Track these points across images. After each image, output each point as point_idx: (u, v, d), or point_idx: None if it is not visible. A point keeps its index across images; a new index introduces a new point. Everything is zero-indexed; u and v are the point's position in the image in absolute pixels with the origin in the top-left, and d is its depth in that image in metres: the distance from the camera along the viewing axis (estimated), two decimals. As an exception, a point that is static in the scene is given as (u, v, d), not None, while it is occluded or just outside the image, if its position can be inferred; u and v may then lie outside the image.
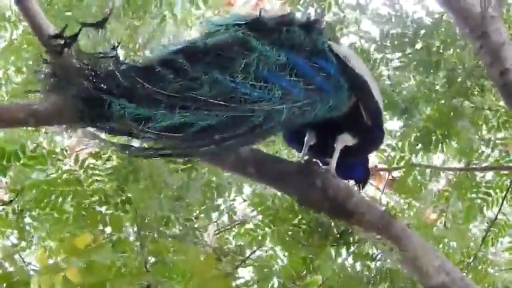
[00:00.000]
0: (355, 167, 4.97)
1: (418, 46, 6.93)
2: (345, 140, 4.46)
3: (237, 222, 6.89)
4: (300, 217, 5.21)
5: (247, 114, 3.81)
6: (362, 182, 5.01)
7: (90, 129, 3.84)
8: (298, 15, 5.79)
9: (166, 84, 3.78)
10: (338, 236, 5.15)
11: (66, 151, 5.77)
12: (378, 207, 4.57)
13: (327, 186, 4.42)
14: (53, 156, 5.01)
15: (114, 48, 3.93)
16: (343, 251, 5.22)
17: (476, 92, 6.72)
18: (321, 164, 4.52)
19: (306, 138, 4.53)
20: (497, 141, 6.93)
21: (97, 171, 4.76)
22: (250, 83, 3.87)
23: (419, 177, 6.83)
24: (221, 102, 3.78)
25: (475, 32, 5.63)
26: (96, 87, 3.78)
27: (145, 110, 3.70)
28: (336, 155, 4.44)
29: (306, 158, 4.55)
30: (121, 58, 3.93)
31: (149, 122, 3.69)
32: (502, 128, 6.86)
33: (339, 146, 4.44)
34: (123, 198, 4.62)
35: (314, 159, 4.53)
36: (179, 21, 8.28)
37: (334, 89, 4.16)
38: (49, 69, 3.91)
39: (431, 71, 6.77)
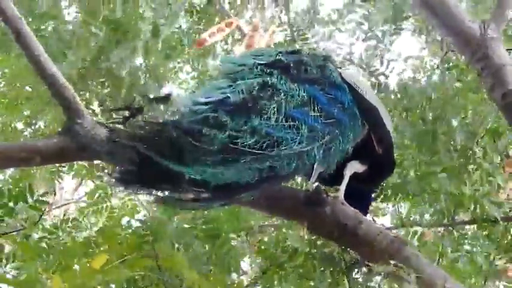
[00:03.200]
0: (362, 199, 4.93)
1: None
2: (355, 167, 4.46)
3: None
4: (307, 250, 5.16)
5: (284, 162, 3.86)
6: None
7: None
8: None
9: (212, 139, 3.78)
10: (346, 268, 5.09)
11: (78, 220, 5.80)
12: (388, 233, 4.53)
13: (336, 214, 4.40)
14: (66, 226, 5.02)
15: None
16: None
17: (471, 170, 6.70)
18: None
19: (315, 165, 4.52)
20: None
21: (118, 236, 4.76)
22: (281, 123, 3.90)
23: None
24: (261, 152, 3.79)
25: (475, 55, 5.65)
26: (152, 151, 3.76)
27: (198, 172, 3.71)
28: (345, 182, 4.43)
29: (314, 186, 4.53)
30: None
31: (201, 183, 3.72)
32: (487, 183, 6.84)
33: (348, 173, 4.43)
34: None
35: (323, 187, 4.52)
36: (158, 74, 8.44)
37: (350, 120, 4.19)
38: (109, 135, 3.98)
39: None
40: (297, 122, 3.94)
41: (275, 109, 3.94)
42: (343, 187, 4.43)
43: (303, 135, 3.92)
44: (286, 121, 3.92)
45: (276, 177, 3.90)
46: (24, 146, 4.82)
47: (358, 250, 4.59)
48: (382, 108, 4.59)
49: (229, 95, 3.99)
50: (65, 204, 9.57)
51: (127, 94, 8.26)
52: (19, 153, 4.64)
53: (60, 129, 4.72)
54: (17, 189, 5.32)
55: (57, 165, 8.10)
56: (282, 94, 4.03)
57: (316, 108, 4.06)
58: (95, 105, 8.50)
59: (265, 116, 3.90)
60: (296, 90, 4.08)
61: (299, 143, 3.89)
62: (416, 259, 4.40)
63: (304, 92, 4.08)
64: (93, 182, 8.93)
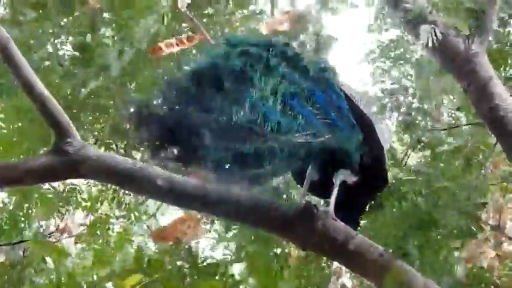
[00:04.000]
0: (353, 213, 4.92)
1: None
2: (344, 175, 4.46)
3: None
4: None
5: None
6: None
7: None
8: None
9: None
10: None
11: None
12: (378, 247, 4.54)
13: (327, 228, 4.40)
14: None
15: None
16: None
17: None
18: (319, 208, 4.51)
19: (308, 172, 4.53)
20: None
21: None
22: (279, 107, 3.90)
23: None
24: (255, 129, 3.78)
25: (461, 71, 5.69)
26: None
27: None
28: (335, 194, 4.42)
29: (304, 201, 4.52)
30: None
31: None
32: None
33: (337, 182, 4.43)
34: None
35: (313, 203, 4.51)
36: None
37: (345, 126, 4.19)
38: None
39: None
40: (294, 111, 3.93)
41: (272, 90, 3.95)
42: (332, 200, 4.42)
43: (300, 125, 3.90)
44: (284, 107, 3.92)
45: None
46: (13, 165, 4.82)
47: (349, 264, 4.60)
48: (379, 123, 4.61)
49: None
50: (73, 236, 9.49)
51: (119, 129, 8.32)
52: (8, 172, 4.64)
53: (50, 148, 4.71)
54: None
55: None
56: (280, 77, 4.03)
57: (313, 104, 4.06)
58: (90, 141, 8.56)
59: (263, 95, 3.91)
60: (294, 79, 4.09)
61: (296, 132, 3.87)
62: (408, 272, 4.42)
63: (303, 84, 4.09)
64: (92, 215, 8.91)
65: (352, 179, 4.50)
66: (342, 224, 4.47)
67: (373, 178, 4.65)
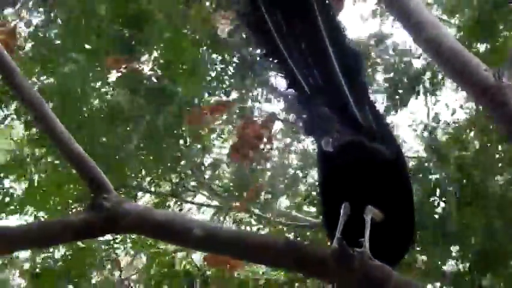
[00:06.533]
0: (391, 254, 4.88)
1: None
2: (373, 212, 4.48)
3: None
4: None
5: None
6: None
7: None
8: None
9: None
10: None
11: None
12: (419, 284, 4.51)
13: (365, 269, 4.39)
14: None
15: None
16: None
17: None
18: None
19: (341, 212, 4.55)
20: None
21: None
22: None
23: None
24: None
25: (492, 103, 5.66)
26: None
27: None
28: (367, 232, 4.43)
29: (339, 243, 4.51)
30: None
31: None
32: None
33: (368, 218, 4.46)
34: None
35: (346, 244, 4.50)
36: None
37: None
38: None
39: None
40: None
41: None
42: (366, 238, 4.41)
43: None
44: None
45: None
46: (52, 223, 4.92)
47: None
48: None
49: None
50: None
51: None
52: (47, 231, 4.73)
53: (87, 205, 4.78)
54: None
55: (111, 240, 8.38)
56: None
57: None
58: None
59: None
60: None
61: None
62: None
63: None
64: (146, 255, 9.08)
65: (379, 216, 4.51)
66: (379, 263, 4.45)
67: (400, 221, 4.66)
